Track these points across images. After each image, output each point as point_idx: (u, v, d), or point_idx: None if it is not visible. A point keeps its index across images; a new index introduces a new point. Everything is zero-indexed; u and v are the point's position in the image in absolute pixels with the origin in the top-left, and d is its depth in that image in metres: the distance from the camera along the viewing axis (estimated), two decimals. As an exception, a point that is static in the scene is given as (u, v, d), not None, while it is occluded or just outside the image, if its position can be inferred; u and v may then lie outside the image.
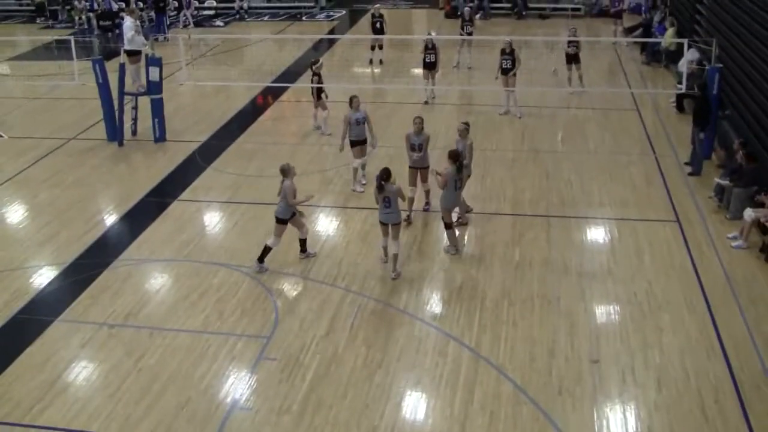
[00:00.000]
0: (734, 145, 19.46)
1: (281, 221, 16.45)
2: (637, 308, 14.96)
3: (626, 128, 24.38)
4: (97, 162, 22.77)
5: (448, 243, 17.11)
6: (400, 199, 16.14)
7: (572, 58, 27.78)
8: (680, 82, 23.85)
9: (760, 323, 14.42)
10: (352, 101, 19.71)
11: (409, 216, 18.31)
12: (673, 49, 29.45)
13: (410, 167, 18.47)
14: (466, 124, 18.25)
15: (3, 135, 25.22)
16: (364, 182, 20.09)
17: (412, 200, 18.39)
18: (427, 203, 19.02)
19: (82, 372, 13.62)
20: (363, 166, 20.20)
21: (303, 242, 17.02)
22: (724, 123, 22.45)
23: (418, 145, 18.19)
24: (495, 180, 20.51)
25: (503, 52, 25.28)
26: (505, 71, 25.31)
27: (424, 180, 18.66)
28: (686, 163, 21.24)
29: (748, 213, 17.01)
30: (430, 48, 26.46)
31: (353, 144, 19.91)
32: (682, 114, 24.91)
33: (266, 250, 16.56)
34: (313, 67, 24.02)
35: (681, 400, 12.52)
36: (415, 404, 12.63)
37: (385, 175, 15.82)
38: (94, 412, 12.60)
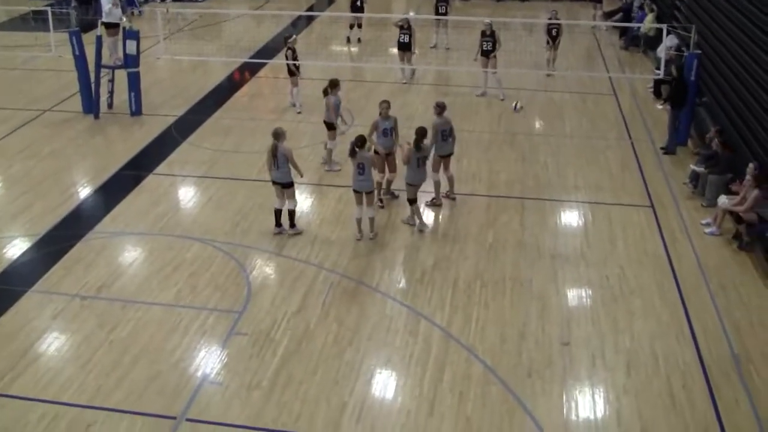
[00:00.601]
0: (710, 133, 19.58)
1: (288, 185, 16.75)
2: (608, 292, 15.07)
3: (603, 113, 24.45)
4: (73, 134, 22.60)
5: (418, 221, 17.22)
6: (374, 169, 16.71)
7: (552, 40, 27.93)
8: (658, 68, 23.93)
9: (730, 310, 14.57)
10: (338, 85, 19.78)
11: (381, 200, 18.25)
12: (652, 35, 29.51)
13: (376, 153, 18.08)
14: (438, 104, 18.15)
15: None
16: (337, 160, 20.17)
17: (380, 185, 18.24)
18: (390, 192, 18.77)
19: (53, 343, 13.60)
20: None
21: (279, 214, 17.03)
22: (701, 110, 22.54)
23: (390, 129, 18.18)
24: (471, 162, 20.54)
25: (483, 34, 25.24)
26: (485, 53, 25.28)
27: (392, 169, 18.50)
28: (662, 148, 21.39)
29: (722, 200, 17.13)
30: (405, 28, 26.36)
31: (334, 126, 20.04)
32: (660, 100, 24.97)
33: (291, 214, 16.98)
34: (288, 42, 23.91)
35: (650, 384, 12.64)
36: (384, 382, 12.69)
37: (360, 141, 16.21)
38: (65, 382, 12.60)
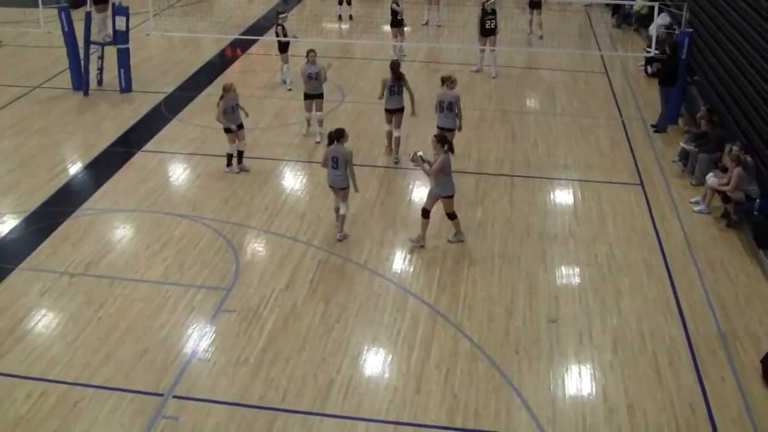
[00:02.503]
0: (701, 111, 19.55)
1: (225, 131, 18.39)
2: (596, 270, 15.09)
3: (594, 91, 24.42)
4: (62, 111, 22.52)
5: (455, 231, 16.08)
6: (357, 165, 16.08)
7: (535, 5, 28.91)
8: (650, 46, 23.89)
9: (717, 288, 14.62)
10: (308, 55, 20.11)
11: (392, 152, 19.53)
12: (644, 13, 29.44)
13: (386, 109, 19.28)
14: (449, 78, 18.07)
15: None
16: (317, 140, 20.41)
17: (389, 133, 19.49)
18: (396, 158, 19.45)
19: (41, 320, 13.59)
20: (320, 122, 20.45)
21: (230, 158, 18.73)
22: (692, 89, 22.53)
23: (397, 88, 18.89)
24: (460, 139, 20.32)
25: (485, 12, 25.10)
26: (487, 31, 25.19)
27: (398, 124, 19.26)
28: (652, 126, 21.39)
29: (711, 178, 17.13)
30: (398, 6, 26.39)
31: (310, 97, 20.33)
32: (651, 78, 24.95)
33: (237, 155, 18.70)
34: (279, 19, 23.84)
35: (636, 362, 12.68)
36: (372, 360, 12.71)
37: (337, 134, 15.42)
38: (52, 359, 12.60)
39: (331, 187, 15.87)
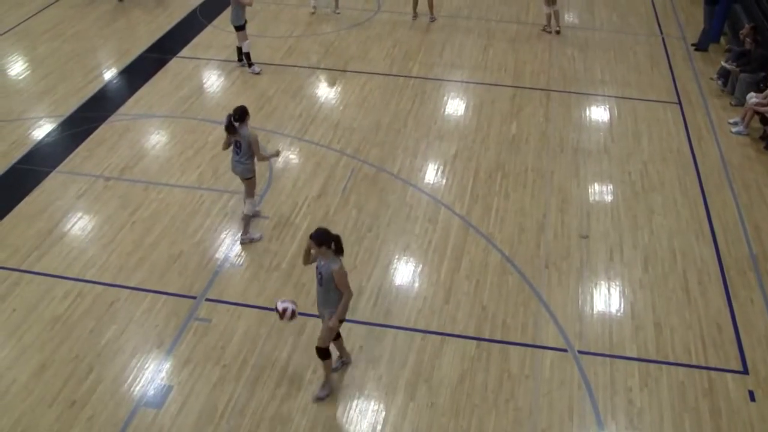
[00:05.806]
0: (744, 29, 19.17)
1: (237, 28, 18.63)
2: (630, 188, 15.02)
3: (634, 7, 23.95)
4: (97, 16, 22.44)
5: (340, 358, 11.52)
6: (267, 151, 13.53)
7: None
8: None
9: (751, 209, 14.52)
10: None
11: (415, 16, 22.09)
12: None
13: None
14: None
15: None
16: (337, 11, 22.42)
17: (416, 2, 22.06)
18: (432, 17, 22.13)
19: (77, 222, 13.80)
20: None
21: (240, 51, 19.30)
22: (737, 6, 22.07)
23: None
24: (497, 51, 20.30)
25: None
26: None
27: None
28: (693, 44, 21.03)
29: (751, 98, 16.89)
30: None
31: None
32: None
33: (247, 55, 19.06)
34: None
35: (666, 280, 12.70)
36: (402, 269, 12.83)
37: (238, 114, 12.87)
38: (88, 261, 12.84)
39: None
